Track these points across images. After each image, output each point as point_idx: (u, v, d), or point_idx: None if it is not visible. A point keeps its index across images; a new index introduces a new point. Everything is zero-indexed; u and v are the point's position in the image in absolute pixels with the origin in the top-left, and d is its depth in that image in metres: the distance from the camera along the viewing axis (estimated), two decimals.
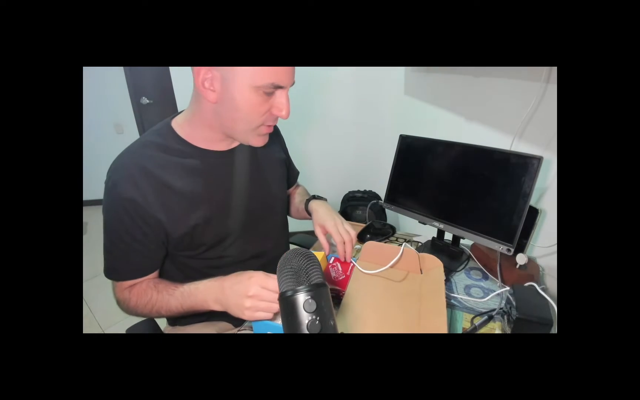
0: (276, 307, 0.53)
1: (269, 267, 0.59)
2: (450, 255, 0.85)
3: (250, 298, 0.54)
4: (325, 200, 0.86)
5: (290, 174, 0.92)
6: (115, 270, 0.65)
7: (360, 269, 0.72)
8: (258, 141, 0.65)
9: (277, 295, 0.49)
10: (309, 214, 0.84)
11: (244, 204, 0.72)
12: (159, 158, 0.63)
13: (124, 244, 0.62)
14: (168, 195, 0.62)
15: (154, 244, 0.65)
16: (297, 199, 0.93)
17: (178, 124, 0.67)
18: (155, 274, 0.68)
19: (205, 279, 0.61)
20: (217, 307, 0.58)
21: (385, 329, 0.59)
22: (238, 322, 0.76)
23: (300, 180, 1.00)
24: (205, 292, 0.60)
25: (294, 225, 0.96)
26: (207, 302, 0.59)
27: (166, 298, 0.63)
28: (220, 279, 0.59)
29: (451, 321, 0.67)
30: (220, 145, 0.69)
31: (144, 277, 0.66)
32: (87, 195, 2.88)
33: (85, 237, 2.48)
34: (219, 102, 0.59)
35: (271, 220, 0.80)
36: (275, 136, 0.88)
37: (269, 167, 0.79)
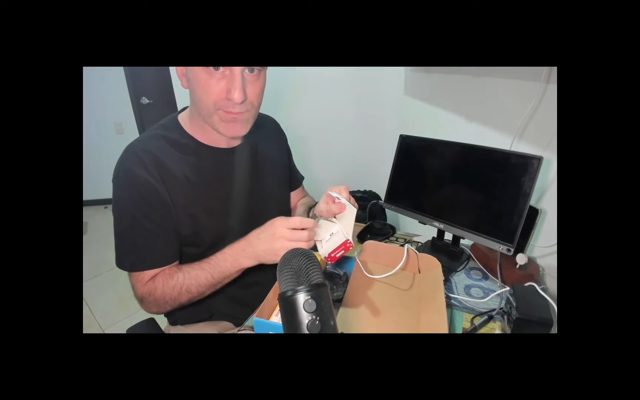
0: (308, 242, 0.56)
1: (269, 266, 0.59)
2: (450, 255, 0.85)
3: (279, 239, 0.56)
4: None
5: (292, 176, 0.91)
6: (142, 261, 0.64)
7: (364, 271, 0.72)
8: (225, 128, 0.62)
9: (304, 233, 0.56)
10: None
11: (243, 201, 0.73)
12: (166, 149, 0.64)
13: (146, 231, 0.62)
14: (174, 184, 0.63)
15: (173, 229, 0.65)
16: (301, 210, 0.89)
17: (183, 119, 0.69)
18: (177, 262, 0.68)
19: (228, 245, 0.63)
20: (249, 263, 0.60)
21: (385, 329, 0.59)
22: (239, 322, 0.76)
23: None
24: (235, 253, 0.61)
25: None
26: (238, 262, 0.60)
27: (194, 274, 0.62)
28: (244, 238, 0.61)
29: (451, 321, 0.67)
30: (221, 142, 0.69)
31: (169, 264, 0.65)
32: (87, 195, 2.90)
33: (85, 237, 2.49)
34: (189, 87, 0.61)
35: (270, 219, 0.80)
36: (279, 136, 0.88)
37: (269, 167, 0.79)
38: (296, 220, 0.57)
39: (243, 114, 0.62)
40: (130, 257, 0.63)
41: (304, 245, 0.56)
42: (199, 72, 0.56)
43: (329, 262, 0.60)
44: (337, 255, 0.59)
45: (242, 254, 0.60)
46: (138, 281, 0.64)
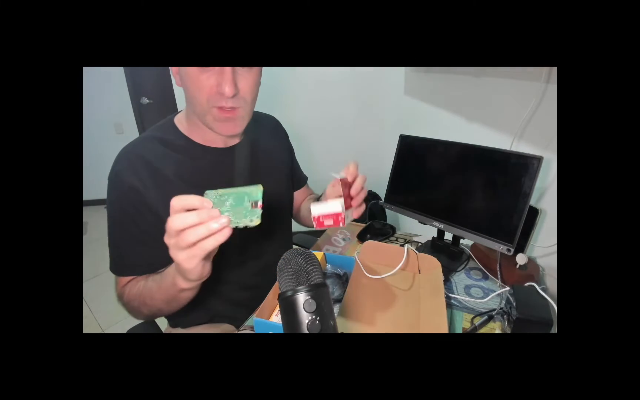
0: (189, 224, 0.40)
1: (270, 268, 0.58)
2: (450, 255, 0.85)
3: (173, 248, 0.43)
4: None
5: (295, 176, 0.91)
6: (126, 267, 0.63)
7: (364, 271, 0.72)
8: (220, 127, 0.61)
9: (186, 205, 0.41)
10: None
11: None
12: (160, 152, 0.63)
13: (131, 237, 0.61)
14: (168, 188, 0.62)
15: (161, 237, 0.63)
16: (308, 205, 0.90)
17: (180, 120, 0.68)
18: None
19: None
20: (180, 281, 0.50)
21: (385, 329, 0.59)
22: (240, 324, 0.75)
23: None
24: (172, 269, 0.52)
25: (294, 225, 0.95)
26: (176, 279, 0.50)
27: (149, 284, 0.59)
28: None
29: (451, 321, 0.67)
30: (218, 142, 0.68)
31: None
32: (87, 195, 2.89)
33: (85, 237, 2.49)
34: (182, 84, 0.60)
35: (271, 220, 0.78)
36: (279, 135, 0.87)
37: (270, 167, 0.79)
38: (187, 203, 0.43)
39: (236, 111, 0.60)
40: (118, 262, 0.63)
41: (191, 235, 0.40)
42: (190, 69, 0.56)
43: (314, 225, 0.57)
44: (325, 223, 0.56)
45: (176, 270, 0.50)
46: (117, 283, 0.64)
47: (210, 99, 0.57)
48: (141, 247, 0.62)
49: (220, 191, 0.46)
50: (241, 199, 0.45)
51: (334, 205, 0.56)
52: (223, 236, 0.41)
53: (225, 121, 0.60)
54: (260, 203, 0.44)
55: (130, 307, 0.62)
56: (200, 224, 0.40)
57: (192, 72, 0.56)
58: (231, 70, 0.55)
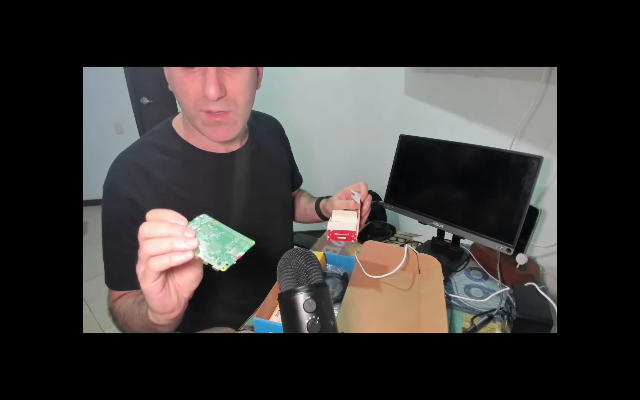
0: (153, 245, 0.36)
1: (271, 273, 0.58)
2: (450, 255, 0.85)
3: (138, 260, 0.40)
4: None
5: (294, 178, 0.91)
6: (122, 279, 0.60)
7: (364, 271, 0.72)
8: (210, 132, 0.58)
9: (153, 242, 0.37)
10: (320, 213, 0.82)
11: (244, 208, 0.70)
12: (159, 159, 0.61)
13: (127, 249, 0.58)
14: (167, 197, 0.60)
15: None
16: (304, 201, 0.91)
17: (177, 124, 0.66)
18: None
19: None
20: (151, 314, 0.46)
21: (385, 329, 0.59)
22: (239, 327, 0.75)
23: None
24: None
25: (294, 225, 0.96)
26: (147, 311, 0.47)
27: (133, 306, 0.55)
28: None
29: (451, 321, 0.67)
30: (218, 147, 0.66)
31: None
32: (87, 195, 2.87)
33: (85, 237, 2.48)
34: (172, 89, 0.57)
35: (273, 225, 0.78)
36: (280, 139, 0.86)
37: (271, 171, 0.77)
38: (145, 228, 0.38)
39: (227, 115, 0.56)
40: (112, 275, 0.61)
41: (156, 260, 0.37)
42: (176, 71, 0.52)
43: (328, 238, 0.63)
44: (339, 237, 0.63)
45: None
46: (110, 296, 0.61)
47: (197, 102, 0.54)
48: (136, 261, 0.60)
49: (217, 222, 0.44)
50: (227, 240, 0.42)
51: (349, 225, 0.62)
52: (182, 257, 0.36)
53: (215, 126, 0.57)
54: (239, 254, 0.40)
55: (116, 324, 0.59)
56: (170, 237, 0.36)
57: (178, 74, 0.52)
58: (215, 71, 0.51)
